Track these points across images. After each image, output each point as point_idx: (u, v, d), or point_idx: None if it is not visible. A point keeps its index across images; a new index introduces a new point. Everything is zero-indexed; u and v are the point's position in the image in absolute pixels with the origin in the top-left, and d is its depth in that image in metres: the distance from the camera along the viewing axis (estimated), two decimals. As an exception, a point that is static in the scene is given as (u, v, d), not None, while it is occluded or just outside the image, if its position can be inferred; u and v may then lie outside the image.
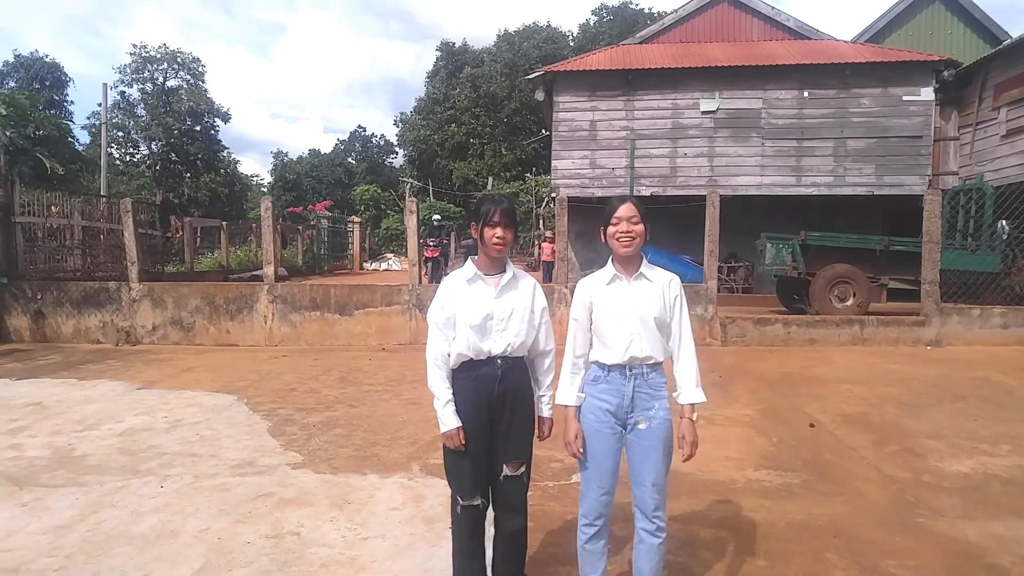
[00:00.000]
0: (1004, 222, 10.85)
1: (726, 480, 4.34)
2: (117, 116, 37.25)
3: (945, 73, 14.27)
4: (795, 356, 8.63)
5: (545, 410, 2.74)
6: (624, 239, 2.52)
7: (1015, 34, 15.23)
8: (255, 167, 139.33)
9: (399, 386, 7.06)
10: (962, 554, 3.32)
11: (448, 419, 2.56)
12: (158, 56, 38.23)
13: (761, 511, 3.82)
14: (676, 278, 2.63)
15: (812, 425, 5.59)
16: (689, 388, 2.56)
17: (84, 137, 37.66)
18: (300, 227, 27.63)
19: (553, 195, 15.16)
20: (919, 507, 3.91)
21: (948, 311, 9.26)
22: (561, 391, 2.62)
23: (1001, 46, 15.06)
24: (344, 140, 60.78)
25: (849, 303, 10.83)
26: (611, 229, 2.55)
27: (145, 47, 38.21)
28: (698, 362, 2.60)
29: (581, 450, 2.58)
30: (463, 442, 2.56)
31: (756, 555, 3.29)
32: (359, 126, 70.03)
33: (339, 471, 4.49)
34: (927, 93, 14.35)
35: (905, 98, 14.36)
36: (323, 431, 5.43)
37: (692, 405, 2.55)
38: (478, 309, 2.57)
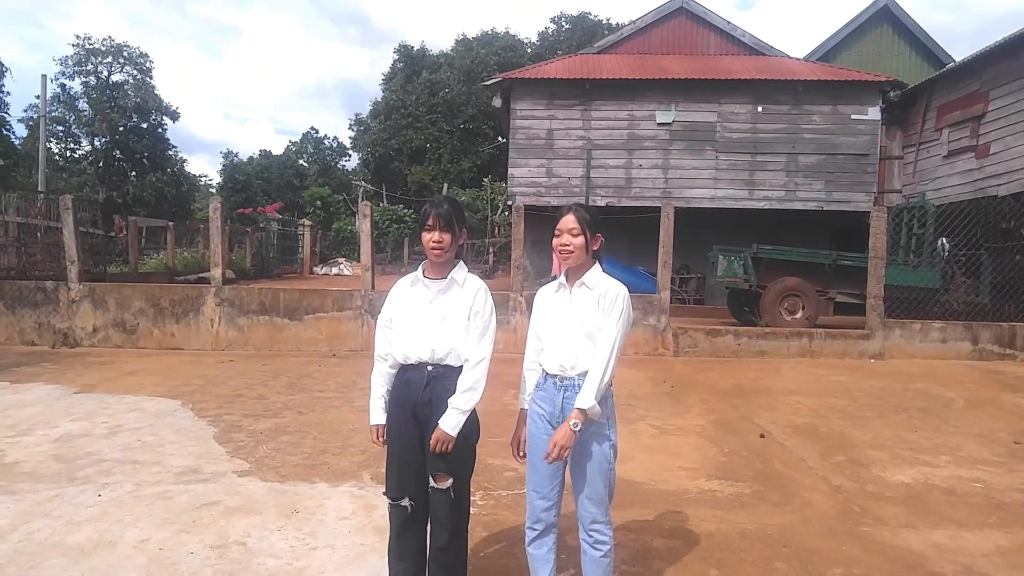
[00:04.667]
0: (944, 240, 11.24)
1: (679, 490, 4.37)
2: (57, 109, 35.38)
3: (891, 94, 14.78)
4: (746, 367, 8.78)
5: (444, 421, 2.46)
6: (563, 251, 2.53)
7: (959, 57, 15.84)
8: (205, 167, 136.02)
9: (350, 393, 6.91)
10: (905, 563, 3.41)
11: (373, 414, 2.67)
12: (103, 49, 36.19)
13: (713, 521, 3.86)
14: (620, 290, 2.51)
15: (763, 436, 5.68)
16: (584, 393, 2.39)
17: (21, 130, 36.05)
18: (249, 229, 26.97)
19: (509, 203, 15.15)
20: (864, 516, 4.00)
21: (891, 325, 9.57)
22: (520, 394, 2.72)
23: (944, 69, 15.69)
24: (296, 142, 59.64)
25: (798, 316, 11.08)
26: (554, 240, 2.56)
27: (89, 39, 36.08)
28: (609, 376, 2.44)
29: (522, 454, 2.68)
30: (379, 439, 2.66)
31: (709, 564, 3.31)
32: (312, 128, 68.35)
33: (287, 479, 4.36)
34: (874, 112, 14.85)
35: (853, 116, 14.84)
36: (271, 438, 5.27)
37: (581, 410, 2.37)
38: (410, 313, 2.60)
